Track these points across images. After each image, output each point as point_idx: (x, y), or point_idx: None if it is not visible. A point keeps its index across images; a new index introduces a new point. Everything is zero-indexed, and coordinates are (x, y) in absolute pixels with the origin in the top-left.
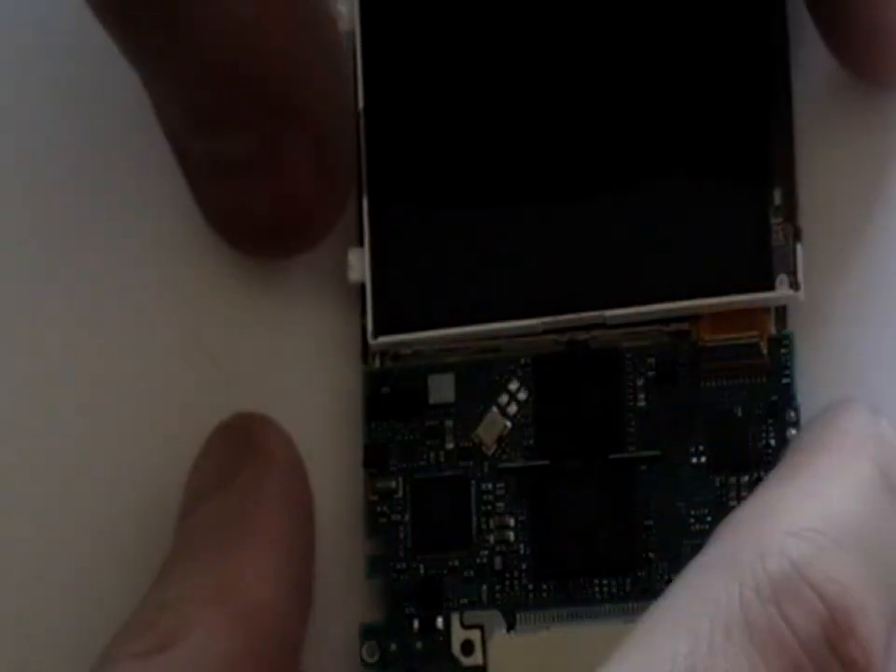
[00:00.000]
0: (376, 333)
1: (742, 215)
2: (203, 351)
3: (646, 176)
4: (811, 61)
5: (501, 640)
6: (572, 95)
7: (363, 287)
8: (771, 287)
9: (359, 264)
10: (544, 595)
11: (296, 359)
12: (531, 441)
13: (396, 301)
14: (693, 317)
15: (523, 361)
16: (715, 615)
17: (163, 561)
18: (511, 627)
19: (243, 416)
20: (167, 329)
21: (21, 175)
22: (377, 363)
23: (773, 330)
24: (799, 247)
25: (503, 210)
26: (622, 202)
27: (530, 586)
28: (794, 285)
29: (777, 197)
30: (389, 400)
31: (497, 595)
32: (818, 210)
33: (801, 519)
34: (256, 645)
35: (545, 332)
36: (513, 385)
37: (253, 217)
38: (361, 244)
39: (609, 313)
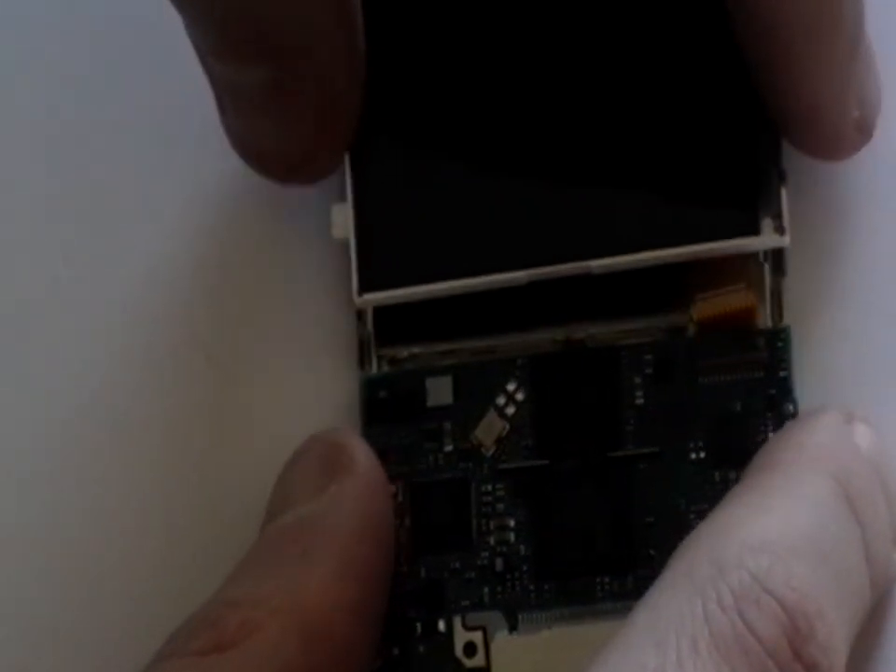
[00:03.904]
0: (361, 290)
1: (726, 162)
2: (203, 356)
3: (630, 128)
4: None
5: (504, 641)
6: (553, 47)
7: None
8: (756, 232)
9: (343, 220)
10: (546, 595)
11: (294, 365)
12: (530, 442)
13: (380, 257)
14: (688, 293)
15: (520, 362)
16: (680, 628)
17: (241, 559)
18: (513, 628)
19: (338, 432)
20: (168, 333)
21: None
22: (374, 368)
23: (769, 324)
24: (784, 191)
25: (487, 163)
26: (606, 153)
27: (532, 586)
28: (780, 229)
29: (762, 142)
30: (387, 405)
31: (499, 597)
32: (810, 200)
33: (755, 533)
34: (314, 662)
35: (540, 327)
36: (511, 386)
37: (260, 143)
38: (344, 199)
39: (594, 263)
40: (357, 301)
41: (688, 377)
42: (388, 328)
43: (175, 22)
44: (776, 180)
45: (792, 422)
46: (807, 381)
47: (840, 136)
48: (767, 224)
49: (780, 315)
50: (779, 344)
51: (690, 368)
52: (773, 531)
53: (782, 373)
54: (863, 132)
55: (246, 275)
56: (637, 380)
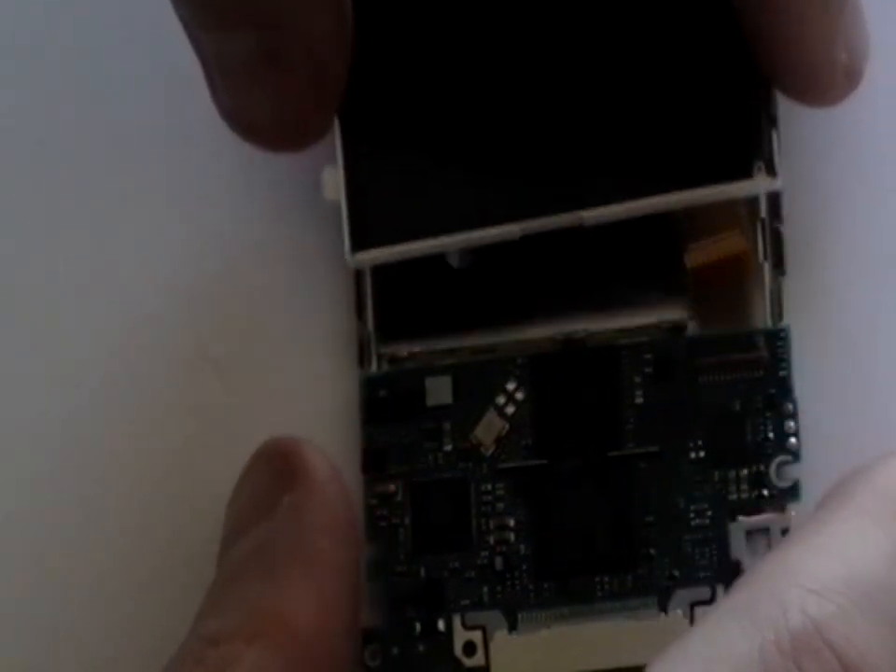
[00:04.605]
0: (354, 249)
1: (717, 108)
2: (203, 356)
3: (619, 77)
4: None
5: (503, 641)
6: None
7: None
8: (749, 175)
9: (334, 182)
10: (545, 594)
11: (294, 364)
12: (529, 441)
13: (372, 215)
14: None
15: (520, 361)
16: (736, 664)
17: (207, 591)
18: (512, 627)
19: (280, 441)
20: (167, 333)
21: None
22: (374, 367)
23: (769, 324)
24: (775, 135)
25: (476, 118)
26: (597, 103)
27: (531, 586)
28: (771, 171)
29: (752, 87)
30: (387, 404)
31: (499, 596)
32: (807, 200)
33: (823, 578)
34: (302, 670)
35: (539, 320)
36: (511, 386)
37: (251, 112)
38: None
39: (586, 213)
40: (350, 260)
41: (688, 376)
42: (388, 327)
43: (170, 13)
44: (766, 124)
45: (877, 458)
46: (807, 381)
47: (828, 82)
48: (759, 167)
49: (780, 315)
50: (779, 344)
51: (689, 367)
52: (839, 580)
53: (782, 373)
54: (851, 78)
55: (245, 274)
56: (637, 379)
